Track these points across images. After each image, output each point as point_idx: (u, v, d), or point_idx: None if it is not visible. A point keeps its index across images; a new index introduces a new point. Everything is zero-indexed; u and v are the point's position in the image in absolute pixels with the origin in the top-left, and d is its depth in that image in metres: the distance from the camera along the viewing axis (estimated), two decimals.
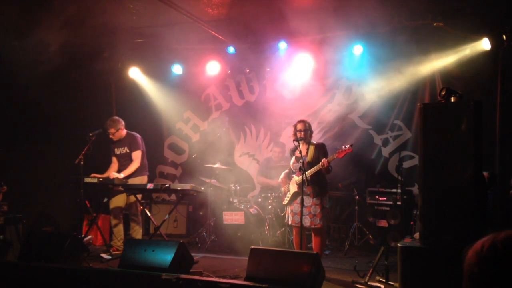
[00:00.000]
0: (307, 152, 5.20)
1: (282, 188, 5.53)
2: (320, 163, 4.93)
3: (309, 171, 4.99)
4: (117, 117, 6.42)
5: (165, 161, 8.77)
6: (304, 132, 5.19)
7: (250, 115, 8.17)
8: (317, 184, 5.09)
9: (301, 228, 4.91)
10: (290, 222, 5.27)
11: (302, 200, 4.84)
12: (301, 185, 4.95)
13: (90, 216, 6.40)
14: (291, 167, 5.36)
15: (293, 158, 5.34)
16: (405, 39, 6.55)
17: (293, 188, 5.24)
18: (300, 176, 4.99)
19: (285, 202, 5.36)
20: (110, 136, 6.32)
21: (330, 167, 5.03)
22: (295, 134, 5.22)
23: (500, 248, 1.18)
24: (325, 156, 5.06)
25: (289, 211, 5.28)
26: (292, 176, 5.32)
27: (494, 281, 1.17)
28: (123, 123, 6.40)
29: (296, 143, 5.02)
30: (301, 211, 4.84)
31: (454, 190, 3.77)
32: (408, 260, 3.84)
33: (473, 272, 1.21)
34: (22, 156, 6.64)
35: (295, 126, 5.29)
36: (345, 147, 4.98)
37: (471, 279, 1.21)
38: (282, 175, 5.53)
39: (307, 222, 5.02)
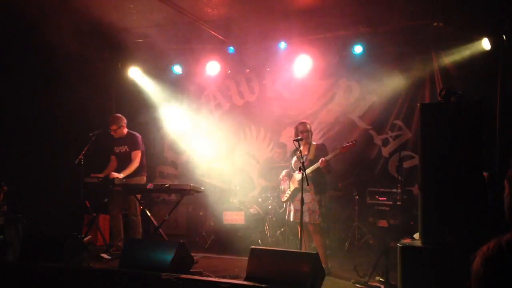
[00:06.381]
0: (308, 152, 5.27)
1: (282, 186, 5.57)
2: (319, 161, 4.98)
3: (309, 168, 5.05)
4: (120, 115, 6.45)
5: (165, 161, 8.76)
6: (306, 133, 5.28)
7: (250, 115, 8.17)
8: (317, 182, 5.16)
9: (301, 225, 4.94)
10: (292, 219, 5.32)
11: (302, 199, 4.86)
12: (301, 183, 4.97)
13: (90, 216, 6.39)
14: (293, 166, 5.44)
15: (295, 157, 5.42)
16: (405, 39, 6.55)
17: (293, 185, 5.34)
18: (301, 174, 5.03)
19: (284, 199, 5.47)
20: (112, 132, 6.32)
21: (330, 167, 5.09)
22: (296, 135, 5.27)
23: (504, 248, 1.19)
24: (326, 156, 5.10)
25: (291, 208, 5.35)
26: (292, 174, 5.42)
27: (499, 281, 1.17)
28: (125, 121, 6.42)
29: (296, 143, 5.05)
30: (301, 209, 4.86)
31: (454, 190, 3.77)
32: (408, 260, 3.84)
33: (479, 272, 1.21)
34: (22, 156, 6.63)
35: (296, 128, 5.39)
36: (348, 142, 5.03)
37: (476, 280, 1.22)
38: (283, 173, 5.64)
39: (306, 218, 5.10)
